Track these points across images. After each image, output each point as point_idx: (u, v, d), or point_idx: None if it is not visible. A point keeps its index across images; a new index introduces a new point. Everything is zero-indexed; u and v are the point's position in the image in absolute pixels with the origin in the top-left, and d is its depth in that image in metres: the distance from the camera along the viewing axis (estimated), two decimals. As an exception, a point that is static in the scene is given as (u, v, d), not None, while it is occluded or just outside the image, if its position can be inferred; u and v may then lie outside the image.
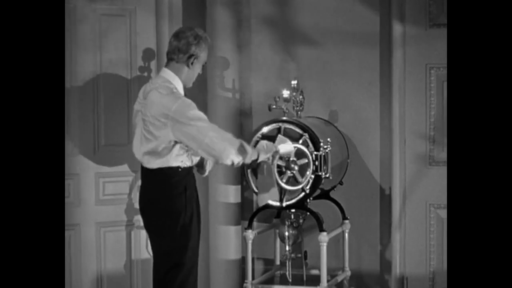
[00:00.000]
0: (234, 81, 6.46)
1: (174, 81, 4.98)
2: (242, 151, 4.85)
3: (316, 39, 6.43)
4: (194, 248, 4.98)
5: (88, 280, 6.18)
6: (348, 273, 6.31)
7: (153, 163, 4.94)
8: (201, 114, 4.85)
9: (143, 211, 5.10)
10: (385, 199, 6.40)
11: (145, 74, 6.29)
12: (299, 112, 6.06)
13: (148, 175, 5.01)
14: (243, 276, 6.19)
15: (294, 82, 6.05)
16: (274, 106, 5.91)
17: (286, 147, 5.42)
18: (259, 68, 6.53)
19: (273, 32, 6.46)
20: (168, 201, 4.92)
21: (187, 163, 4.96)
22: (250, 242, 5.96)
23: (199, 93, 6.50)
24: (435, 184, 6.22)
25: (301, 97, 6.07)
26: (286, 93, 5.92)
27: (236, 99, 6.45)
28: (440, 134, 6.24)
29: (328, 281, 5.87)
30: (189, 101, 4.87)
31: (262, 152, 5.09)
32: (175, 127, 4.81)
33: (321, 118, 6.36)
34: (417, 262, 6.36)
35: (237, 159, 4.84)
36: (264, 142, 5.19)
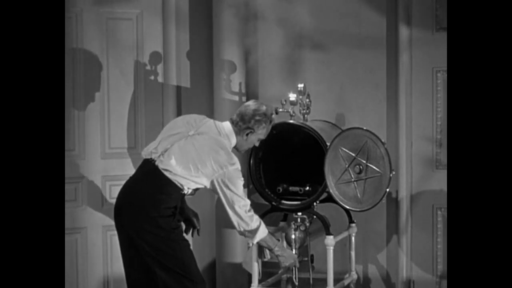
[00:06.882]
0: (241, 85, 6.46)
1: (231, 138, 5.24)
2: (253, 232, 5.24)
3: (323, 42, 6.43)
4: None
5: (94, 283, 6.19)
6: (355, 276, 6.30)
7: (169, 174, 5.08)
8: (242, 187, 5.14)
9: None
10: (392, 203, 6.39)
11: (152, 77, 6.30)
12: (305, 116, 6.05)
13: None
14: (249, 280, 6.18)
15: (300, 85, 6.04)
16: (281, 109, 5.90)
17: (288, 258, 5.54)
18: (265, 71, 6.53)
19: (280, 35, 6.45)
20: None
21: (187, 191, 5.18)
22: (256, 245, 5.95)
23: (206, 96, 6.52)
24: (442, 187, 6.20)
25: (307, 100, 6.06)
26: (292, 96, 5.92)
27: (243, 102, 6.45)
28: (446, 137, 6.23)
29: (334, 284, 5.87)
30: (239, 168, 5.12)
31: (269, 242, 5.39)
32: (217, 182, 5.07)
33: (328, 121, 6.36)
34: (424, 265, 6.35)
35: (245, 233, 5.25)
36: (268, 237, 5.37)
